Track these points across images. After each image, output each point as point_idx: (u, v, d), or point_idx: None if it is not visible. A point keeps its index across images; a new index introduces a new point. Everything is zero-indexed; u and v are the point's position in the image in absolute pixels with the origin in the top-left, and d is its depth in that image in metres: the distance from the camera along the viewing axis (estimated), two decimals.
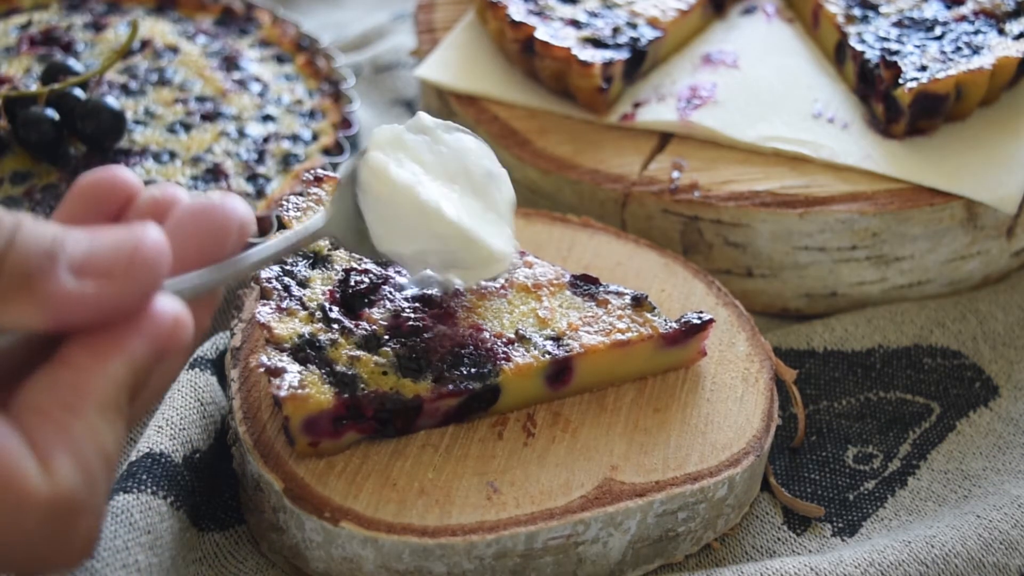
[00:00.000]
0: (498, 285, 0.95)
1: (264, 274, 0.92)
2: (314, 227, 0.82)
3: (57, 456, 0.62)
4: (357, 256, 0.96)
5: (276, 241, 0.78)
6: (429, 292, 0.93)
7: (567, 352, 0.92)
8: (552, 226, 1.10)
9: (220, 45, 1.35)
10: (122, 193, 0.71)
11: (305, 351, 0.88)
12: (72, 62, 1.24)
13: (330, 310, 0.91)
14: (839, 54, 1.23)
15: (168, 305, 0.66)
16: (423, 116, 0.89)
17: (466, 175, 0.89)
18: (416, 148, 0.87)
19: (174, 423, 0.91)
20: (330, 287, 0.93)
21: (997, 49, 1.16)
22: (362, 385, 0.87)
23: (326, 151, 1.23)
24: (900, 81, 1.13)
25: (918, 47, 1.17)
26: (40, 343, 0.65)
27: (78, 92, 1.17)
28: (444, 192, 0.86)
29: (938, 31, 1.19)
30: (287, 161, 1.21)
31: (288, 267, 0.94)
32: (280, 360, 0.87)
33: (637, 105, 1.22)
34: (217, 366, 0.99)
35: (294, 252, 0.80)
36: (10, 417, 0.63)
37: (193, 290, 0.70)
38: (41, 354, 0.65)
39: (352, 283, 0.93)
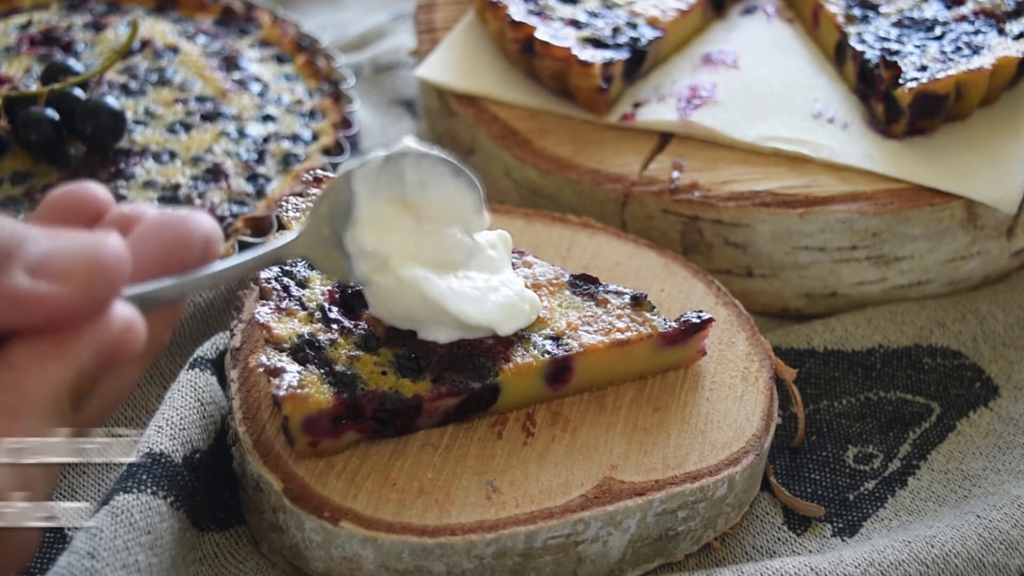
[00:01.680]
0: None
1: (263, 274, 0.92)
2: (283, 246, 0.79)
3: None
4: None
5: (239, 257, 0.75)
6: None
7: (566, 351, 0.91)
8: (552, 226, 1.10)
9: (220, 45, 1.35)
10: (92, 207, 0.69)
11: (304, 351, 0.88)
12: (72, 62, 1.24)
13: (329, 310, 0.91)
14: (839, 54, 1.23)
15: (119, 312, 0.63)
16: (408, 146, 0.86)
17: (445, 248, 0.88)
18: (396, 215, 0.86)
19: (174, 423, 0.91)
20: (329, 287, 0.93)
21: (997, 49, 1.16)
22: (361, 385, 0.87)
23: (326, 151, 1.23)
24: (900, 81, 1.13)
25: (918, 47, 1.17)
26: None
27: (78, 92, 1.17)
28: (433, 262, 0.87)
29: (938, 31, 1.19)
30: (287, 161, 1.21)
31: (287, 267, 0.94)
32: (279, 360, 0.87)
33: (637, 105, 1.22)
34: (217, 366, 0.99)
35: (259, 269, 0.78)
36: None
37: (152, 300, 0.67)
38: None
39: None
